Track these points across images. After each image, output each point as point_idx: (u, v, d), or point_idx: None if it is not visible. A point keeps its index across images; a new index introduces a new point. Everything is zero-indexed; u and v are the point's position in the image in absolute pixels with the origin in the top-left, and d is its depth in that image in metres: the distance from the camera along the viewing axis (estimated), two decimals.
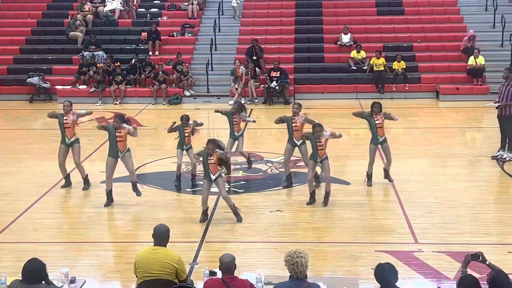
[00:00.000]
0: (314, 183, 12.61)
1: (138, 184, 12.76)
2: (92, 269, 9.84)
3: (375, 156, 13.52)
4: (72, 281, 7.70)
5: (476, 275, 6.72)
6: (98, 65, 24.22)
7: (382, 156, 13.89)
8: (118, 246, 10.99)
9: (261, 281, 7.62)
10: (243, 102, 22.75)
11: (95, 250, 10.60)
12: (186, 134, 13.59)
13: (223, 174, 11.83)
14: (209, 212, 11.80)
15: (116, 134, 12.42)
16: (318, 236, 11.06)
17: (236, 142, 14.34)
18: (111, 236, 11.45)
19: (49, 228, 11.61)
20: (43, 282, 6.68)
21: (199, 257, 10.12)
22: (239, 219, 11.61)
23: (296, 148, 13.43)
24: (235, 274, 6.98)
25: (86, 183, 13.59)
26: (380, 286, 6.69)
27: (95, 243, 10.92)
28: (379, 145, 13.43)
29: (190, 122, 13.69)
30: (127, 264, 9.48)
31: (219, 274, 7.15)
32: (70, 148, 13.49)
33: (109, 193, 12.60)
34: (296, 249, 6.88)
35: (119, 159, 12.56)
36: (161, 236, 7.57)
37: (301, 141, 13.25)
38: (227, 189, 13.49)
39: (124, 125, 12.52)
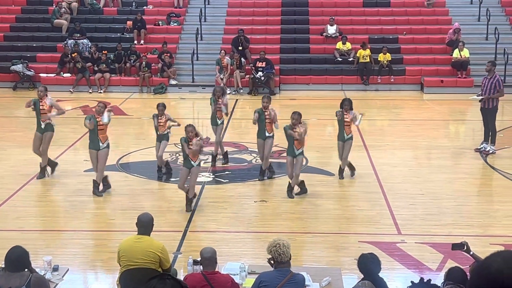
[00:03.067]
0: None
1: (101, 185, 12.50)
2: (76, 257, 9.80)
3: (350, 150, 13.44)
4: (55, 269, 7.67)
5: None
6: (73, 54, 23.96)
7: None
8: (101, 234, 10.96)
9: (245, 271, 7.64)
10: (228, 92, 22.78)
11: (79, 239, 10.57)
12: (160, 124, 13.44)
13: (202, 163, 11.89)
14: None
15: (98, 124, 12.32)
16: (302, 226, 11.09)
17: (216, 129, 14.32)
18: (95, 224, 11.41)
19: (32, 216, 11.56)
20: (26, 270, 6.65)
21: (183, 246, 10.12)
22: (188, 209, 11.57)
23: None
24: (216, 269, 6.97)
25: (42, 172, 13.37)
26: (363, 276, 6.72)
27: (78, 231, 10.89)
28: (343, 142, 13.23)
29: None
30: (110, 253, 9.45)
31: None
32: (42, 135, 13.31)
33: (103, 179, 12.52)
34: (277, 238, 6.94)
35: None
36: (145, 225, 7.55)
37: (271, 133, 13.26)
38: (211, 179, 13.52)
39: (105, 114, 12.40)
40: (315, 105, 21.14)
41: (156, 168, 13.70)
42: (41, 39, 25.96)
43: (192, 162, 11.50)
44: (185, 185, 11.66)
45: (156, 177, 13.56)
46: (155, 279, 3.17)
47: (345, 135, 13.16)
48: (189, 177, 11.65)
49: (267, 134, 13.33)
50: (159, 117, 13.46)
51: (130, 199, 12.31)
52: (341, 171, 13.39)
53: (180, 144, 11.80)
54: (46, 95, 13.30)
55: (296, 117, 12.18)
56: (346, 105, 13.12)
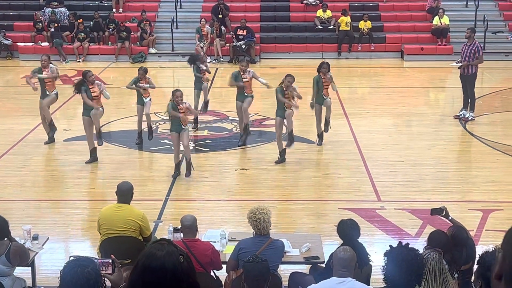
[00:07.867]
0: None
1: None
2: (56, 226, 9.79)
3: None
4: (35, 238, 7.65)
5: None
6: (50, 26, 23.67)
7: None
8: (82, 203, 10.94)
9: (225, 238, 7.67)
10: (208, 61, 22.64)
11: (59, 208, 10.55)
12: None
13: (190, 128, 11.89)
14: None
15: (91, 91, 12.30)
16: (282, 194, 11.13)
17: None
18: (75, 194, 11.36)
19: (11, 185, 11.50)
20: (5, 239, 6.65)
21: (163, 214, 10.13)
22: (187, 174, 11.57)
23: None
24: (196, 237, 7.00)
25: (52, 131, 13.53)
26: (342, 242, 6.78)
27: (58, 200, 10.86)
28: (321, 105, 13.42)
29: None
30: (90, 222, 9.45)
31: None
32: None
33: (92, 151, 12.44)
34: (258, 206, 6.95)
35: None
36: (124, 194, 7.55)
37: (250, 94, 13.51)
38: (191, 148, 13.49)
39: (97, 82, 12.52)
40: (295, 74, 20.78)
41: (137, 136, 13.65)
42: (18, 7, 25.53)
43: (183, 126, 11.43)
44: (180, 154, 11.64)
45: (137, 146, 13.49)
46: (154, 243, 3.19)
47: (324, 96, 13.29)
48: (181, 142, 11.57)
49: (246, 95, 13.48)
50: (140, 81, 13.36)
51: (111, 168, 12.27)
52: (321, 136, 13.45)
53: (166, 112, 11.69)
54: (49, 64, 13.46)
55: (290, 79, 12.34)
56: (325, 67, 13.31)
